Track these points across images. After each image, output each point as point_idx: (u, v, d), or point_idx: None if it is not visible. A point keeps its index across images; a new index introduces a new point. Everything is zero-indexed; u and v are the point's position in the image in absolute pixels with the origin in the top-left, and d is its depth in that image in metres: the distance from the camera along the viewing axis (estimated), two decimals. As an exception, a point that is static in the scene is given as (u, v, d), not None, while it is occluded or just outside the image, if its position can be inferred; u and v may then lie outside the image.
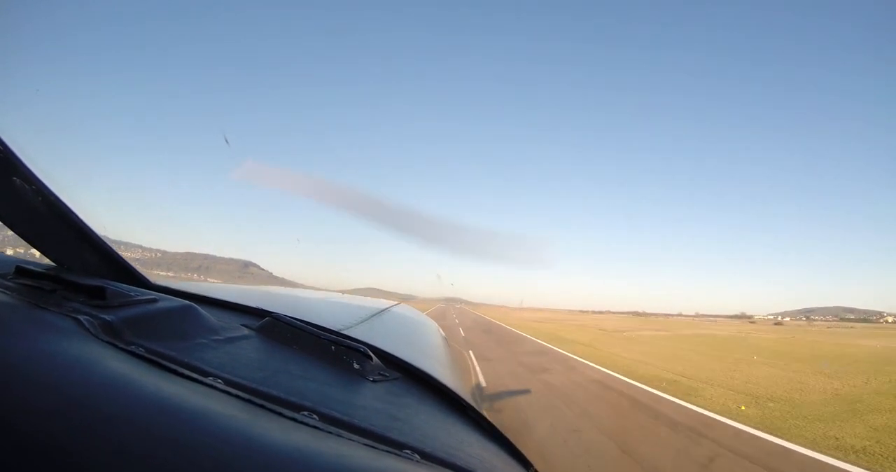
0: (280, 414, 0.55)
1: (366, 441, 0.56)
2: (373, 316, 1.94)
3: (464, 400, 1.05)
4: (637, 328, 40.83)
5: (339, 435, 0.55)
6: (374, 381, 0.91)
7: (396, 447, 0.59)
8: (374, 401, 0.80)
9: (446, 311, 56.05)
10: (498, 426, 1.02)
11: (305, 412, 0.60)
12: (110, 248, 1.08)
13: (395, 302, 3.13)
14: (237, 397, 0.56)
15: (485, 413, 1.07)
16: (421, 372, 1.08)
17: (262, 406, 0.55)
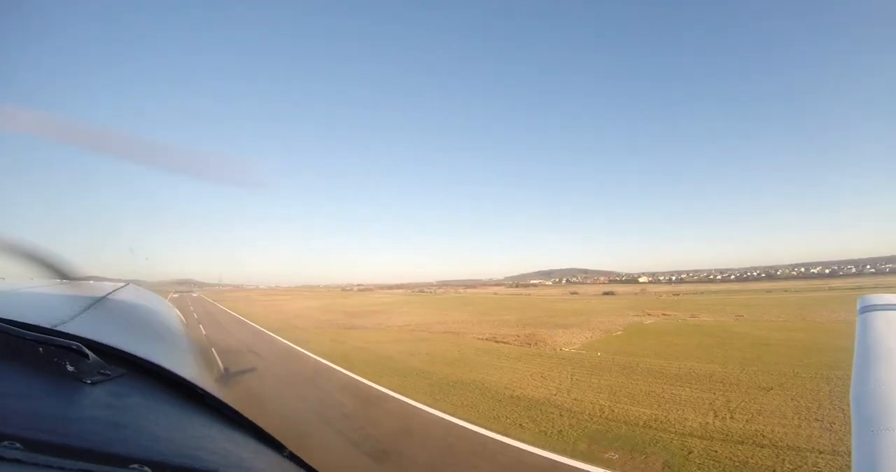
0: None
1: (82, 466, 0.50)
2: (93, 305, 1.65)
3: (200, 389, 0.96)
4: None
5: (48, 466, 0.48)
6: (93, 383, 0.79)
7: (120, 464, 0.54)
8: (93, 409, 0.69)
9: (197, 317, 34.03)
10: (244, 412, 0.96)
11: (6, 443, 0.50)
12: None
13: (122, 284, 2.70)
14: None
15: (230, 399, 1.01)
16: (150, 364, 0.95)
17: None
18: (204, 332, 26.98)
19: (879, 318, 3.00)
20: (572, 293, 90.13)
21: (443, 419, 9.89)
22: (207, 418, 0.88)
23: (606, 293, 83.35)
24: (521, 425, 9.42)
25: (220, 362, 18.33)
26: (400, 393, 12.18)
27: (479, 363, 16.55)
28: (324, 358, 18.20)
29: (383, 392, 12.42)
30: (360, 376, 14.52)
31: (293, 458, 1.00)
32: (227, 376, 15.41)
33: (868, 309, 3.24)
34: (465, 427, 9.24)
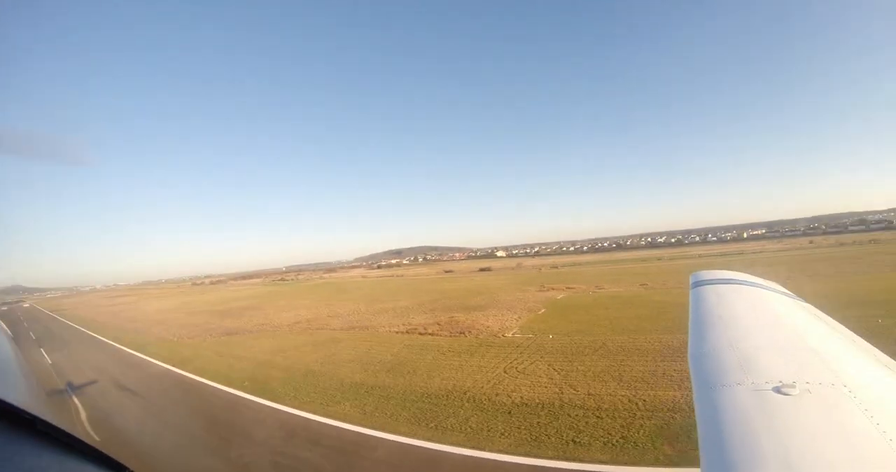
0: None
1: None
2: None
3: (28, 414, 0.87)
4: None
5: None
6: None
7: None
8: None
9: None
10: (81, 433, 0.89)
11: None
12: None
13: None
14: None
15: (60, 421, 0.92)
16: None
17: None
18: (49, 360, 19.98)
19: (710, 291, 3.64)
20: (447, 272, 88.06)
21: (476, 459, 7.61)
22: (37, 445, 0.81)
23: (483, 269, 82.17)
24: (575, 441, 7.82)
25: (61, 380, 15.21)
26: (372, 428, 9.41)
27: (429, 365, 14.46)
28: (224, 384, 14.07)
29: (350, 431, 9.41)
30: (297, 409, 11.18)
31: None
32: (70, 391, 14.03)
33: (700, 284, 3.94)
34: (519, 464, 7.21)
